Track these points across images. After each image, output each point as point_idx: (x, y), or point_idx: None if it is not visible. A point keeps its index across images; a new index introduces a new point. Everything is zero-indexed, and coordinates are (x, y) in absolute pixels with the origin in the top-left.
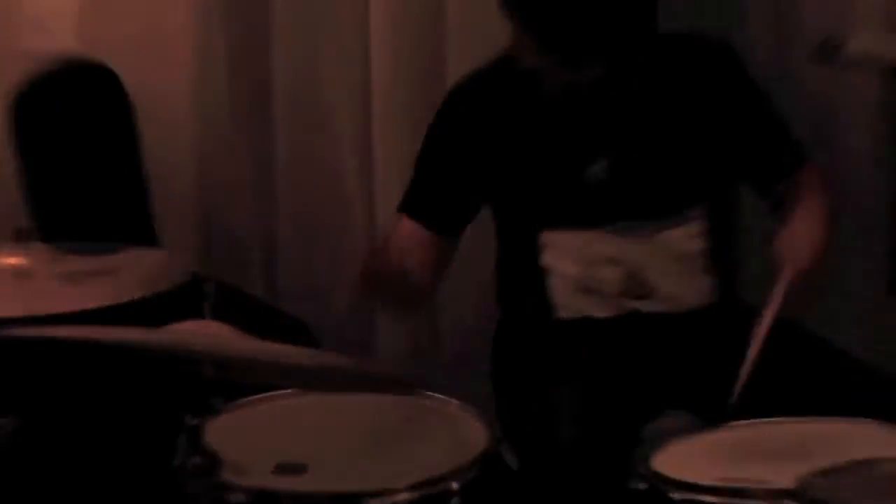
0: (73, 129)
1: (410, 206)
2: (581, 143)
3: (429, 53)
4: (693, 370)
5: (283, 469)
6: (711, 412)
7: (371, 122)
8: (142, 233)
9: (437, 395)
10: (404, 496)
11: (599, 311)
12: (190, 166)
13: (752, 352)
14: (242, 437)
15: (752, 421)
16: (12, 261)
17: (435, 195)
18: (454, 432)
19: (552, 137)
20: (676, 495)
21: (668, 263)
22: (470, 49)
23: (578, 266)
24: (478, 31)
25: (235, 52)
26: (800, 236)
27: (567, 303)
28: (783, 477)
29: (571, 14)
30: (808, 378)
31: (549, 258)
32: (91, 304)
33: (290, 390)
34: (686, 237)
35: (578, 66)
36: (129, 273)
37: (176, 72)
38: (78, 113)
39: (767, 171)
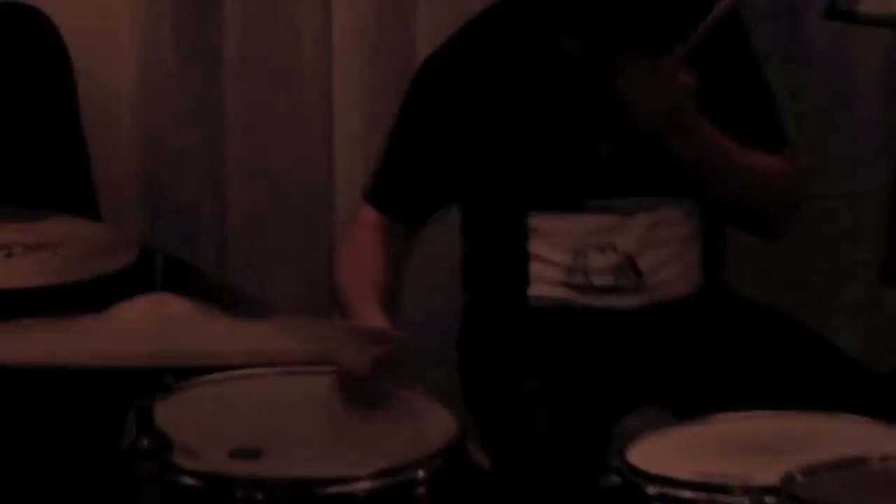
0: (5, 79)
1: (378, 195)
2: (586, 116)
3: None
4: (673, 363)
5: (238, 453)
6: (689, 408)
7: (332, 86)
8: (80, 199)
9: (400, 380)
10: (366, 484)
11: (583, 301)
12: (134, 128)
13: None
14: (195, 418)
15: (733, 414)
16: None
17: (407, 181)
18: (419, 420)
19: (553, 110)
20: (652, 490)
21: (661, 249)
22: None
23: (568, 253)
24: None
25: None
26: None
27: (550, 292)
28: (765, 473)
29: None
30: (793, 370)
31: (536, 244)
32: (29, 283)
33: (246, 370)
34: (684, 218)
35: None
36: (70, 248)
37: (118, 21)
38: (10, 61)
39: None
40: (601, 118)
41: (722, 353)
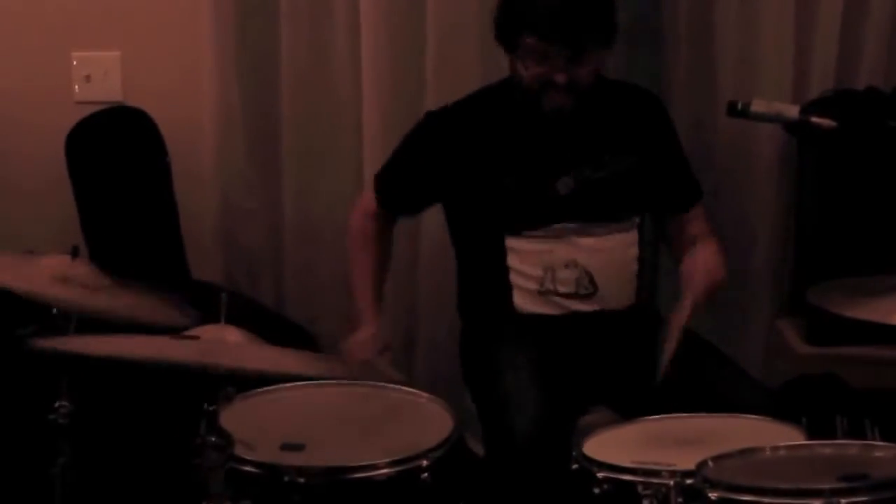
0: (117, 164)
1: (379, 191)
2: (549, 162)
3: (413, 109)
4: (615, 370)
5: (286, 447)
6: (628, 407)
7: (363, 164)
8: (172, 249)
9: (411, 389)
10: (385, 471)
11: (551, 310)
12: (213, 195)
13: (669, 349)
14: (251, 420)
15: (661, 416)
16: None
17: (398, 187)
18: (425, 419)
19: (524, 157)
20: (601, 474)
21: (610, 267)
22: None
23: (539, 268)
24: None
25: (249, 102)
26: (704, 263)
27: (526, 301)
28: (685, 460)
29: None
30: (706, 383)
31: (513, 259)
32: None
33: (289, 384)
34: (627, 244)
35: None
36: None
37: (201, 118)
38: (121, 150)
39: (673, 202)
40: (562, 163)
41: (648, 365)
